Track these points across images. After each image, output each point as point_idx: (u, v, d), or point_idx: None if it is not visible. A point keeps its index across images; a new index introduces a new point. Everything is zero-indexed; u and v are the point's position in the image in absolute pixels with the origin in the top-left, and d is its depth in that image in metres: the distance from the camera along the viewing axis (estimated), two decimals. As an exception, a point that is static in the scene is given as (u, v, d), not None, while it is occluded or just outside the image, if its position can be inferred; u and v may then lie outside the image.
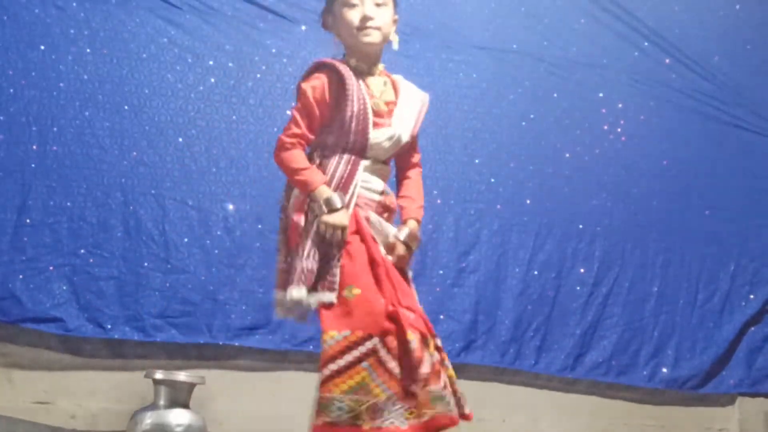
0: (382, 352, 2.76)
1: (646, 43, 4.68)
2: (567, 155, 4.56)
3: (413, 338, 2.76)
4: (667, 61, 4.72)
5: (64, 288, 3.89)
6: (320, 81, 2.89)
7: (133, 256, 3.96)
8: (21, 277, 3.85)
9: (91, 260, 3.92)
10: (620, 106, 4.65)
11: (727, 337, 4.76)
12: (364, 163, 2.93)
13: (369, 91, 2.94)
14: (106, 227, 3.95)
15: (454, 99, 4.41)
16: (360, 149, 2.93)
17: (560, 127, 4.56)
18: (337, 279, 2.84)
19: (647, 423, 4.74)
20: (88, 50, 3.97)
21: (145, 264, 3.97)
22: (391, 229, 2.96)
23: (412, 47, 4.33)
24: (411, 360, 2.75)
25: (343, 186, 2.89)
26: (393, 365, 2.77)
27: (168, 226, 4.00)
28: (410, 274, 3.06)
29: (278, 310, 3.01)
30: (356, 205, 2.93)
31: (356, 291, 2.85)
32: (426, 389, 2.76)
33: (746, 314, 4.80)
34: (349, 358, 2.74)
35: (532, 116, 4.53)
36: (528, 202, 4.50)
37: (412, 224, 3.02)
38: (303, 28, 4.19)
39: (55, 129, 3.92)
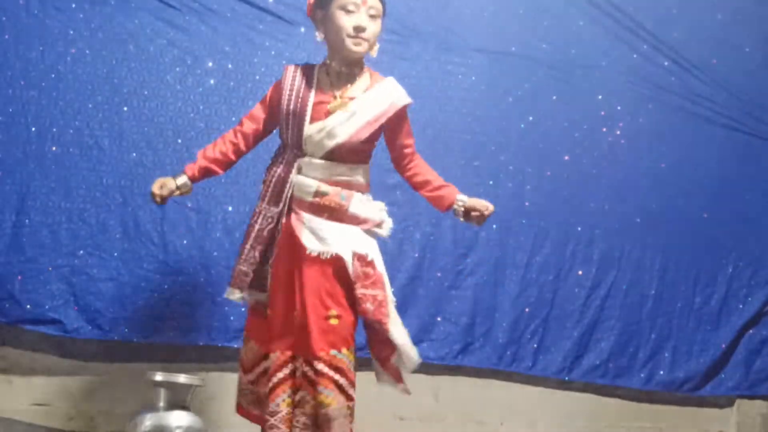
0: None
1: (644, 46, 4.69)
2: (566, 157, 4.57)
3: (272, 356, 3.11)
4: (666, 63, 4.72)
5: (63, 289, 3.88)
6: (277, 82, 3.18)
7: (132, 257, 3.96)
8: (19, 278, 3.84)
9: (90, 261, 3.92)
10: (619, 108, 4.66)
11: (724, 339, 4.77)
12: (302, 161, 3.06)
13: (325, 90, 3.08)
14: (105, 228, 3.94)
15: (453, 101, 4.41)
16: (296, 145, 3.08)
17: (559, 129, 4.57)
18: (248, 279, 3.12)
19: (645, 425, 4.76)
20: (87, 51, 3.96)
21: (144, 265, 3.97)
22: (332, 226, 3.05)
23: (410, 49, 4.33)
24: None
25: (278, 189, 3.07)
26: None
27: (167, 227, 4.00)
28: (374, 270, 3.10)
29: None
30: (291, 209, 3.07)
31: (269, 312, 3.13)
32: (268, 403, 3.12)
33: (744, 317, 4.81)
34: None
35: (530, 118, 4.53)
36: (526, 204, 4.50)
37: (465, 199, 3.23)
38: (302, 30, 4.19)
39: (54, 130, 3.91)
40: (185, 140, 4.04)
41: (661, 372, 4.67)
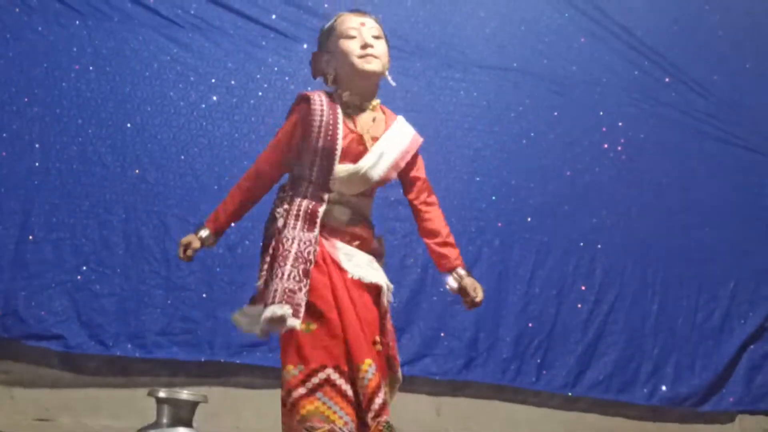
0: (339, 381, 2.77)
1: (646, 62, 4.70)
2: (568, 173, 4.58)
3: (369, 368, 2.78)
4: (667, 80, 4.74)
5: (66, 305, 3.90)
6: (295, 116, 2.92)
7: (135, 273, 3.97)
8: (23, 293, 3.85)
9: (93, 277, 3.93)
10: (620, 124, 4.67)
11: (726, 354, 4.76)
12: (331, 196, 2.93)
13: (352, 127, 2.93)
14: (108, 244, 3.96)
15: (455, 117, 4.42)
16: (323, 184, 2.92)
17: (561, 145, 4.58)
18: (302, 306, 2.82)
19: (648, 443, 4.76)
20: (91, 68, 3.99)
21: (147, 281, 3.98)
22: (363, 257, 2.95)
23: (413, 66, 4.35)
24: (365, 389, 2.77)
25: (310, 218, 2.90)
26: (350, 393, 2.78)
27: (169, 243, 4.00)
28: (387, 309, 3.01)
29: (242, 324, 3.06)
30: (322, 236, 2.96)
31: (313, 327, 2.86)
32: (378, 419, 2.77)
33: (746, 332, 4.80)
34: (302, 390, 2.79)
35: (532, 134, 4.54)
36: (529, 219, 4.51)
37: (463, 273, 3.00)
38: (305, 46, 4.21)
39: (57, 146, 3.93)
40: (188, 156, 4.05)
41: (664, 387, 4.66)
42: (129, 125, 4.00)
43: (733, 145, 4.85)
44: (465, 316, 4.39)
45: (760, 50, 4.94)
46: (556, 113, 4.58)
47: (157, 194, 4.02)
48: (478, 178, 4.44)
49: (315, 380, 2.80)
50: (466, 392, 4.46)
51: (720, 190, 4.83)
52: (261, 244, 3.03)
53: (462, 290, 2.98)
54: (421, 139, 3.05)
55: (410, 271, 4.31)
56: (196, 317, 4.02)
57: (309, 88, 4.05)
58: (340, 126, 2.90)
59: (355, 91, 2.94)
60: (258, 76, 4.17)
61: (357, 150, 2.92)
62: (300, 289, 2.86)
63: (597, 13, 4.65)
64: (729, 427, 4.86)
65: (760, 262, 4.88)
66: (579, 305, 4.57)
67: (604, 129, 4.65)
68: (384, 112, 3.04)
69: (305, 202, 2.94)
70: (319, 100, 2.91)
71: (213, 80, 4.12)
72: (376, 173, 2.94)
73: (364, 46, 2.90)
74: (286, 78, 4.20)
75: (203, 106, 4.09)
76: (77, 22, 3.99)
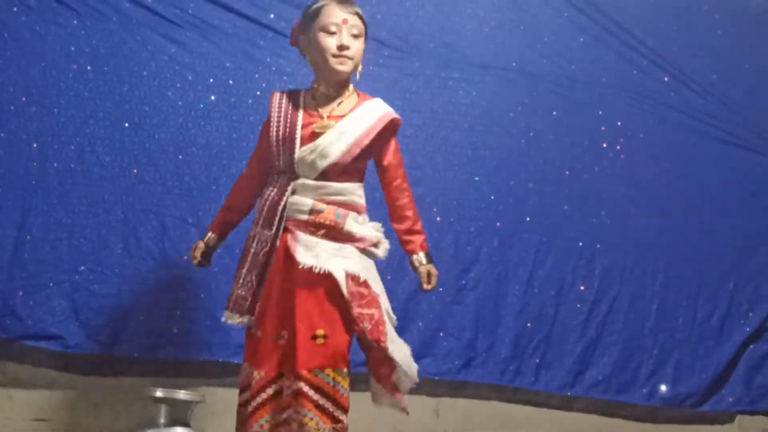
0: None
1: (645, 62, 4.70)
2: (567, 173, 4.57)
3: (256, 376, 3.08)
4: (666, 79, 4.73)
5: (64, 305, 3.89)
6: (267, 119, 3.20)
7: (133, 273, 3.96)
8: (21, 293, 3.85)
9: (92, 277, 3.92)
10: (619, 124, 4.67)
11: (726, 355, 4.76)
12: (294, 185, 3.07)
13: (313, 112, 3.11)
14: (106, 244, 3.95)
15: (454, 117, 4.42)
16: (288, 169, 3.09)
17: (560, 144, 4.57)
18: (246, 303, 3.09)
19: (647, 441, 4.75)
20: (89, 67, 3.98)
21: (145, 281, 3.98)
22: (328, 246, 3.04)
23: (411, 65, 4.35)
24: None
25: (271, 211, 3.07)
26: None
27: (168, 243, 4.01)
28: (367, 288, 3.08)
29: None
30: (286, 229, 3.07)
31: (258, 333, 3.11)
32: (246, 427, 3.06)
33: (745, 332, 4.80)
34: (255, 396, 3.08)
35: (531, 134, 4.54)
36: (528, 219, 4.51)
37: (422, 258, 3.22)
38: (303, 46, 4.21)
39: (55, 146, 3.93)
40: (186, 156, 4.05)
41: (663, 387, 4.66)
42: (127, 125, 4.00)
43: (732, 144, 4.84)
44: (464, 317, 4.39)
45: (759, 50, 4.94)
46: (555, 113, 4.58)
47: (156, 194, 4.01)
48: (476, 178, 4.44)
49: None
50: (465, 393, 4.45)
51: (719, 190, 4.82)
52: None
53: (419, 275, 3.19)
54: (391, 117, 3.12)
55: (408, 271, 4.27)
56: (194, 317, 4.02)
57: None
58: (300, 112, 3.11)
59: (324, 82, 3.12)
60: (256, 76, 4.17)
61: (320, 133, 3.06)
62: (251, 296, 3.08)
63: (596, 13, 4.64)
64: (728, 428, 4.86)
65: (760, 262, 4.87)
66: (578, 305, 4.56)
67: (603, 129, 4.65)
68: (358, 96, 3.16)
69: (272, 194, 3.10)
70: (279, 94, 3.19)
71: (211, 80, 4.11)
72: (337, 149, 3.04)
73: (341, 47, 3.03)
74: (285, 78, 4.19)
75: (201, 105, 4.09)
76: (75, 22, 3.98)
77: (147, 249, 3.99)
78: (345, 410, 3.02)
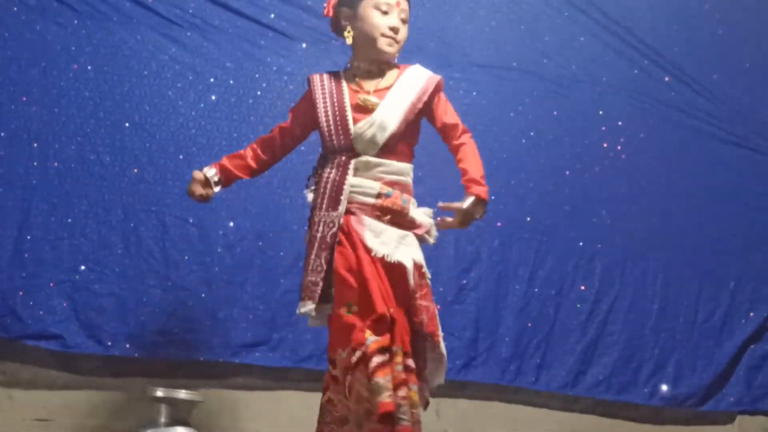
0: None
1: (645, 62, 4.70)
2: (567, 173, 4.57)
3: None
4: (667, 79, 4.73)
5: (65, 305, 3.88)
6: (306, 92, 3.19)
7: (134, 273, 3.96)
8: (21, 293, 3.84)
9: (92, 277, 3.92)
10: (620, 123, 4.66)
11: (727, 354, 4.75)
12: (356, 163, 3.01)
13: (357, 89, 3.08)
14: (106, 244, 3.95)
15: (454, 116, 4.41)
16: (347, 147, 3.03)
17: (560, 144, 4.57)
18: (318, 289, 2.95)
19: (648, 441, 4.75)
20: (90, 67, 3.98)
21: (146, 281, 3.97)
22: (394, 233, 2.97)
23: (412, 64, 4.34)
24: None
25: (335, 193, 3.00)
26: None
27: (168, 243, 4.01)
28: (425, 280, 3.05)
29: (309, 321, 3.09)
30: (349, 211, 2.99)
31: (354, 308, 2.92)
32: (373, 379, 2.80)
33: (746, 332, 4.79)
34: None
35: (532, 134, 4.54)
36: (528, 219, 4.50)
37: (469, 200, 3.05)
38: (303, 45, 4.21)
39: (56, 145, 3.93)
40: (187, 156, 4.05)
41: (664, 387, 4.65)
42: (127, 124, 4.00)
43: (733, 144, 4.84)
44: (464, 316, 4.39)
45: (760, 49, 4.94)
46: (555, 113, 4.58)
47: (156, 193, 4.01)
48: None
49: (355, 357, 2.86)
50: (466, 392, 4.45)
51: (720, 189, 4.82)
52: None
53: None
54: (438, 77, 3.12)
55: (409, 270, 4.30)
56: (195, 317, 4.01)
57: (307, 88, 4.09)
58: (345, 90, 3.07)
59: (365, 60, 3.11)
60: (257, 76, 4.17)
61: (370, 105, 3.03)
62: (322, 280, 2.96)
63: (597, 13, 4.64)
64: (729, 428, 4.85)
65: (761, 261, 4.87)
66: (579, 305, 4.56)
67: (603, 128, 4.64)
68: (398, 67, 3.14)
69: (331, 175, 3.03)
70: (319, 75, 3.15)
71: (212, 79, 4.11)
72: (395, 118, 3.01)
73: (393, 29, 3.04)
74: (285, 77, 4.19)
75: (202, 105, 4.09)
76: (75, 22, 3.98)
77: (147, 249, 3.98)
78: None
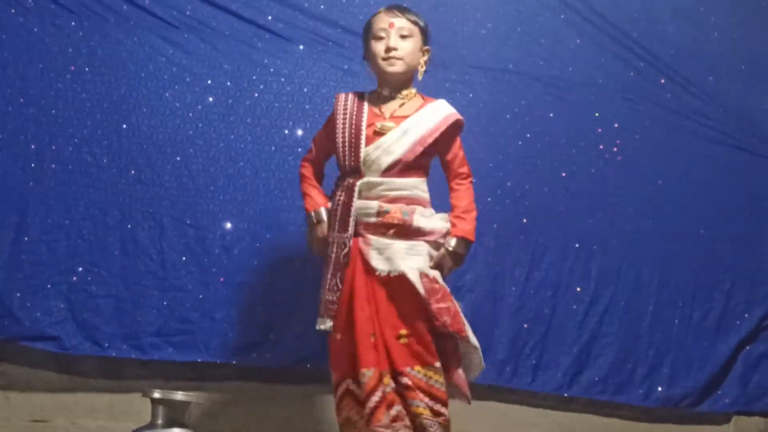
0: (356, 390, 3.15)
1: (641, 63, 4.70)
2: (563, 174, 4.57)
3: (366, 372, 3.10)
4: (663, 81, 4.74)
5: (62, 306, 3.90)
6: (325, 123, 3.39)
7: (131, 274, 3.97)
8: (18, 294, 3.86)
9: (89, 278, 3.93)
10: (616, 125, 4.66)
11: (722, 355, 4.76)
12: (360, 185, 3.17)
13: (378, 112, 3.24)
14: (103, 245, 3.96)
15: (451, 118, 4.41)
16: (355, 169, 3.20)
17: (556, 146, 4.57)
18: (335, 307, 3.16)
19: (643, 442, 4.76)
20: (87, 69, 3.99)
21: (143, 282, 3.98)
22: (400, 245, 3.12)
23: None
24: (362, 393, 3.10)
25: (345, 215, 3.17)
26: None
27: (165, 244, 4.01)
28: (438, 283, 3.18)
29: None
30: (358, 233, 3.18)
31: (338, 336, 3.19)
32: (370, 427, 3.08)
33: (741, 333, 4.80)
34: (335, 399, 3.23)
35: (528, 135, 4.54)
36: (524, 221, 4.51)
37: (451, 242, 3.25)
38: (301, 47, 4.22)
39: (53, 147, 3.94)
40: (184, 157, 4.06)
41: (660, 388, 4.66)
42: (125, 126, 4.01)
43: (728, 146, 4.84)
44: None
45: (756, 52, 4.94)
46: (551, 114, 4.58)
47: (153, 195, 4.02)
48: (474, 180, 4.42)
49: (339, 390, 3.20)
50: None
51: (716, 191, 4.82)
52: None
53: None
54: (456, 118, 3.28)
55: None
56: (192, 318, 4.02)
57: (305, 90, 4.11)
58: (365, 113, 3.23)
59: (385, 86, 3.28)
60: (254, 77, 4.17)
61: (382, 132, 3.20)
62: (338, 298, 3.17)
63: (593, 15, 4.64)
64: (725, 428, 4.86)
65: (756, 263, 4.87)
66: (574, 306, 4.56)
67: (599, 130, 4.64)
68: (423, 99, 3.32)
69: (342, 198, 3.21)
70: (344, 96, 3.32)
71: (209, 81, 4.12)
72: (401, 146, 3.17)
73: (388, 50, 3.21)
74: (282, 79, 4.20)
75: (199, 107, 4.10)
76: (73, 24, 3.99)
77: (145, 250, 3.99)
78: (444, 403, 3.19)
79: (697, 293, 4.76)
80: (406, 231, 3.15)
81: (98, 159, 3.97)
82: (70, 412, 3.95)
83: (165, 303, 3.98)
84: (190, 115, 4.08)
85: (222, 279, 4.04)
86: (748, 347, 4.83)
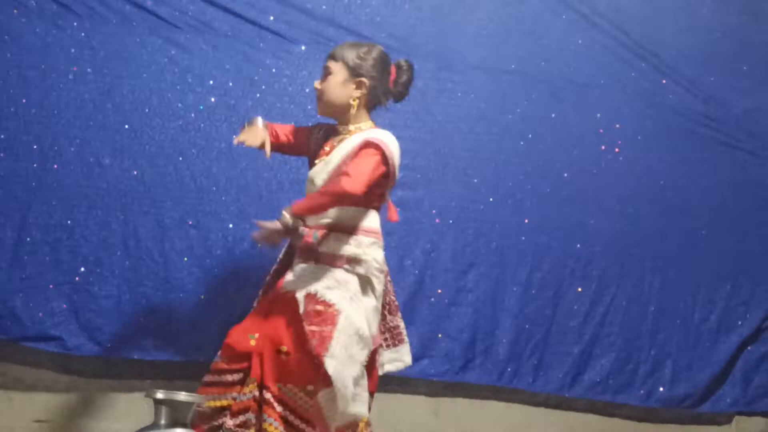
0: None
1: (643, 64, 4.71)
2: (565, 175, 4.58)
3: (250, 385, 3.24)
4: (664, 81, 4.74)
5: (64, 306, 3.89)
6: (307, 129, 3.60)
7: (133, 275, 3.97)
8: (21, 295, 3.85)
9: (91, 279, 3.93)
10: (617, 126, 4.67)
11: (723, 356, 4.77)
12: None
13: (327, 146, 3.37)
14: (106, 246, 3.96)
15: (452, 119, 4.42)
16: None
17: (558, 147, 4.58)
18: None
19: (644, 442, 4.76)
20: (89, 69, 3.99)
21: (145, 282, 3.98)
22: (305, 267, 3.24)
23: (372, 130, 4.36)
24: None
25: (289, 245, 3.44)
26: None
27: (168, 245, 4.01)
28: (330, 308, 3.14)
29: None
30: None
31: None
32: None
33: (742, 333, 4.81)
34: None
35: (530, 136, 4.55)
36: (526, 221, 4.51)
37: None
38: (302, 48, 4.22)
39: (55, 148, 3.93)
40: (186, 158, 4.05)
41: (661, 388, 4.67)
42: (127, 127, 4.00)
43: (730, 147, 4.85)
44: (462, 318, 4.40)
45: (757, 52, 4.95)
46: (553, 115, 4.59)
47: (155, 196, 4.02)
48: (475, 180, 4.44)
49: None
50: (464, 393, 4.47)
51: (717, 192, 4.83)
52: None
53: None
54: (365, 139, 3.24)
55: (408, 272, 4.31)
56: (194, 319, 4.02)
57: (307, 90, 4.12)
58: (322, 143, 3.41)
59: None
60: (256, 78, 4.17)
61: (318, 162, 3.36)
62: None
63: (594, 16, 4.65)
64: (726, 429, 4.88)
65: (757, 263, 4.89)
66: (576, 307, 4.57)
67: (601, 131, 4.65)
68: (362, 130, 3.35)
69: None
70: (318, 127, 3.52)
71: (211, 82, 4.12)
72: (320, 177, 3.30)
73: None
74: (284, 80, 4.20)
75: (201, 107, 4.10)
76: (75, 24, 3.99)
77: (147, 250, 3.99)
78: (308, 423, 3.13)
79: (699, 294, 4.78)
80: (314, 255, 3.22)
81: (100, 159, 3.97)
82: (73, 413, 3.95)
83: (167, 303, 3.98)
84: (192, 115, 4.08)
85: (224, 279, 4.04)
86: (749, 348, 4.84)
